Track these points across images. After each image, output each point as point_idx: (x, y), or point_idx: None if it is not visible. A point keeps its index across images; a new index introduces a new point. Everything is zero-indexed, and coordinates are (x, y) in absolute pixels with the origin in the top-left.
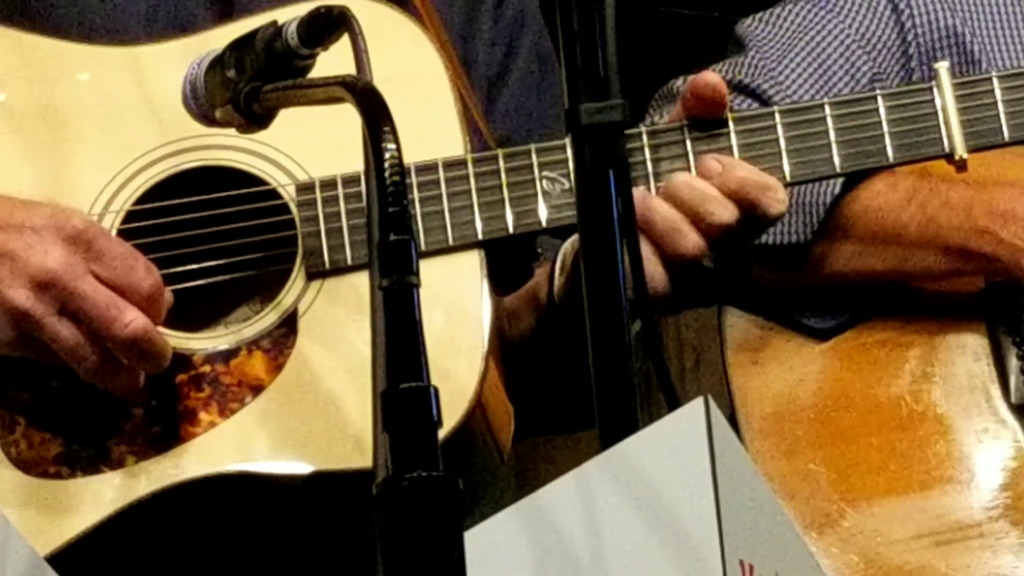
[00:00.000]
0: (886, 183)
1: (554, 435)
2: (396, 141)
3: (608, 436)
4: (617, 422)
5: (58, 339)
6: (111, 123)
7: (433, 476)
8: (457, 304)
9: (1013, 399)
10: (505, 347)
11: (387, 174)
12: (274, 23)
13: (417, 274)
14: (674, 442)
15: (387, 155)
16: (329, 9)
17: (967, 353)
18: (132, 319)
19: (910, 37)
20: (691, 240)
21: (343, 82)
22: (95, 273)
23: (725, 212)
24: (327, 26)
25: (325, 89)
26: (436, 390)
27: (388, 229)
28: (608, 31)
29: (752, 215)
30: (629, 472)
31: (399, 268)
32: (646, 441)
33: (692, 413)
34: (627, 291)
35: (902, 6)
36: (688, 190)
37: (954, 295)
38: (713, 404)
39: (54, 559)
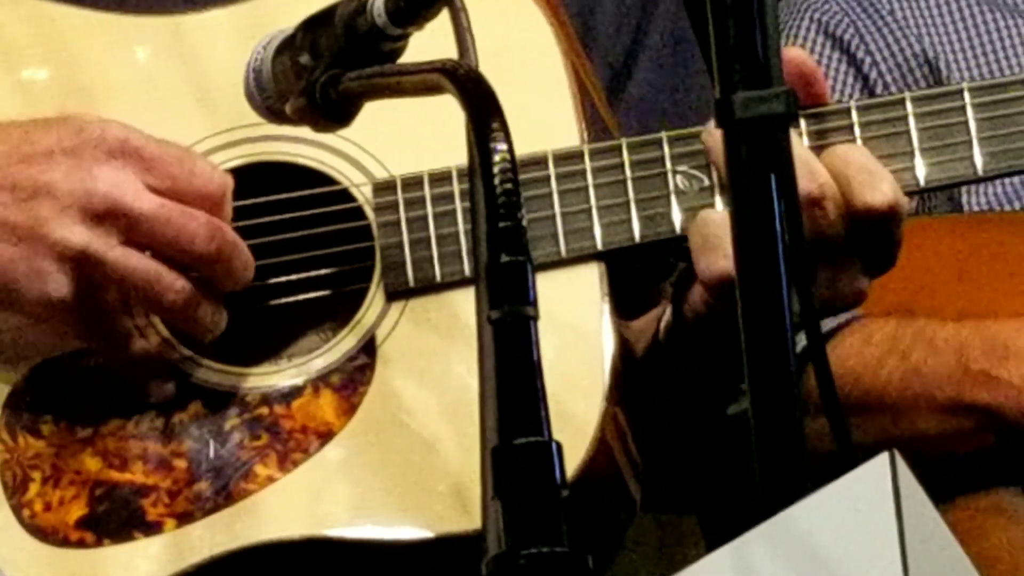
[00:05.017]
0: (860, 336)
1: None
2: (508, 141)
3: (770, 501)
4: (780, 483)
5: (131, 273)
6: (149, 108)
7: (556, 552)
8: (573, 330)
9: None
10: (632, 386)
11: (497, 181)
12: None
13: (535, 304)
14: (852, 506)
15: (497, 158)
16: None
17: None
18: (218, 227)
19: (866, 69)
20: (887, 184)
21: (443, 68)
22: (152, 187)
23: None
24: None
25: (420, 77)
26: (559, 446)
27: (499, 248)
28: (768, 4)
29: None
30: (798, 543)
31: (513, 297)
32: (817, 506)
33: (874, 471)
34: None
35: (848, 38)
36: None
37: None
38: (900, 459)
39: None
